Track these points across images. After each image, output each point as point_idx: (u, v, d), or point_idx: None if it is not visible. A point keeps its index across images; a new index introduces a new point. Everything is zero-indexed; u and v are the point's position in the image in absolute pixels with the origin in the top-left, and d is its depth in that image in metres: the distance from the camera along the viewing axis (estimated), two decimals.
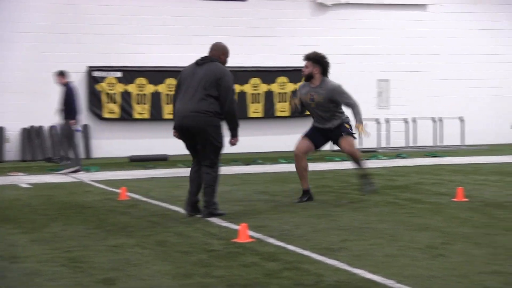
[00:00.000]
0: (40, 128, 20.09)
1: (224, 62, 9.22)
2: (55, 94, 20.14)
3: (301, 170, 10.54)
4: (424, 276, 6.02)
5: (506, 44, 23.93)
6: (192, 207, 9.30)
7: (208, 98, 8.97)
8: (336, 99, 10.33)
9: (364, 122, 10.44)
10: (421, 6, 23.33)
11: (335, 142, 10.64)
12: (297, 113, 11.19)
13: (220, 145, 9.09)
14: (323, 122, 10.50)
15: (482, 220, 8.68)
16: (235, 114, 9.10)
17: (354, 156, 10.59)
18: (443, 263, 6.47)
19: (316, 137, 10.61)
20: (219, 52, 9.26)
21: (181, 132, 9.22)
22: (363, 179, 10.91)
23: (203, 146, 9.06)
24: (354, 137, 10.56)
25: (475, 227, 8.20)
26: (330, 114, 10.44)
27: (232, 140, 9.24)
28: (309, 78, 10.45)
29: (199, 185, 9.25)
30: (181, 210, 9.93)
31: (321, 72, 10.44)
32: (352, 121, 10.53)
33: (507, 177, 13.33)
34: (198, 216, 9.21)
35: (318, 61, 10.41)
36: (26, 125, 20.01)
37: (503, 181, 12.77)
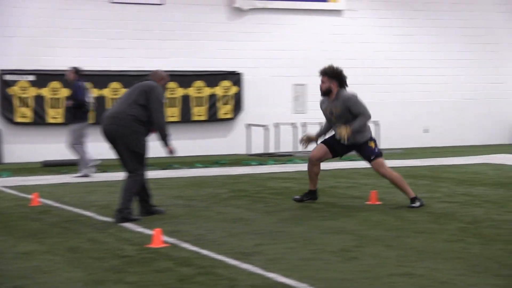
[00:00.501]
0: None
1: (162, 87, 9.57)
2: None
3: (311, 174, 10.64)
4: (337, 279, 6.09)
5: (419, 50, 24.43)
6: (148, 212, 9.62)
7: (136, 105, 9.25)
8: (350, 108, 10.30)
9: (351, 130, 10.18)
10: (337, 12, 23.62)
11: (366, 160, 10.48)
12: (325, 132, 10.90)
13: (135, 148, 9.24)
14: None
15: (394, 223, 8.83)
16: (164, 124, 9.37)
17: (390, 179, 10.27)
18: (355, 265, 6.56)
19: (336, 145, 10.51)
20: (157, 78, 9.61)
21: (105, 137, 9.40)
22: (411, 200, 10.25)
23: (122, 150, 9.30)
24: (379, 154, 10.31)
25: (387, 230, 8.34)
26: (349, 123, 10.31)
27: (168, 148, 9.53)
28: (327, 93, 10.53)
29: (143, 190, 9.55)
30: (94, 215, 9.81)
31: (339, 85, 10.48)
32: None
33: (419, 180, 13.60)
34: (111, 220, 9.17)
35: (335, 76, 10.45)
36: None
37: (415, 184, 13.00)
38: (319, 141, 10.73)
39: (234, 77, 22.24)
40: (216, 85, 22.06)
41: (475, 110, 25.00)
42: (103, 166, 16.98)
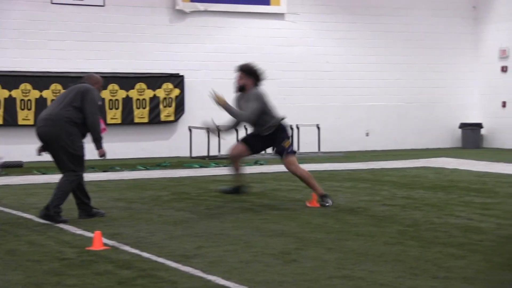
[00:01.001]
0: None
1: (98, 90, 9.59)
2: None
3: (234, 171, 10.90)
4: (276, 282, 6.14)
5: (360, 53, 24.68)
6: (88, 214, 9.56)
7: (71, 108, 9.28)
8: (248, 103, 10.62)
9: (225, 104, 10.80)
10: (279, 15, 23.74)
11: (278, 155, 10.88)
12: (232, 127, 11.30)
13: (71, 150, 9.29)
14: (259, 130, 10.77)
15: (335, 226, 8.92)
16: (98, 127, 9.40)
17: (299, 176, 10.73)
18: (295, 268, 6.61)
19: (253, 142, 10.86)
20: (92, 82, 9.62)
21: (39, 139, 9.42)
22: (322, 199, 10.66)
23: (56, 152, 9.33)
24: (292, 152, 10.76)
25: (327, 233, 8.42)
26: (260, 120, 10.67)
27: (99, 151, 9.59)
28: (242, 89, 10.77)
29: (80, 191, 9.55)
30: (34, 218, 9.71)
31: (254, 83, 10.75)
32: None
33: (360, 183, 13.75)
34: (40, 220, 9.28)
35: (251, 73, 10.72)
36: None
37: (356, 187, 13.16)
38: (225, 134, 11.20)
39: (176, 80, 22.19)
40: (158, 88, 21.98)
41: (417, 114, 25.33)
42: (43, 168, 16.79)
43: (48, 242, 7.94)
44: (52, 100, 20.17)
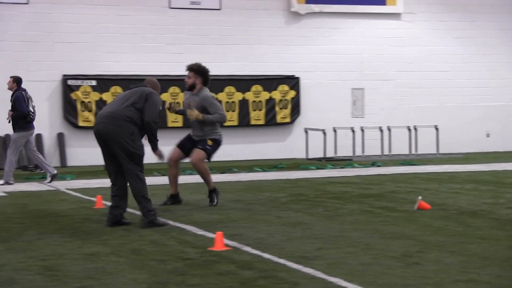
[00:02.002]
0: None
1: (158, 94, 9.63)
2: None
3: (171, 177, 11.23)
4: (399, 285, 6.05)
5: (478, 53, 24.16)
6: (112, 223, 9.30)
7: (134, 108, 9.24)
8: (206, 108, 10.89)
9: (202, 116, 10.84)
10: (395, 15, 23.49)
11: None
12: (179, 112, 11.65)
13: (131, 149, 9.13)
14: (195, 131, 11.07)
15: (457, 229, 8.74)
16: (152, 129, 9.31)
17: (198, 170, 10.99)
18: (417, 271, 6.51)
19: (187, 145, 11.10)
20: (151, 86, 9.62)
21: (97, 138, 9.35)
22: (211, 194, 11.17)
23: (117, 150, 9.16)
24: (209, 154, 11.01)
25: (449, 236, 8.26)
26: (202, 125, 10.95)
27: (156, 153, 9.54)
28: (192, 88, 11.08)
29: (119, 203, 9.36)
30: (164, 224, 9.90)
31: (203, 82, 11.07)
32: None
33: (482, 186, 13.44)
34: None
35: (201, 73, 11.05)
36: (2, 133, 19.87)
37: (478, 189, 12.87)
38: (174, 110, 11.40)
39: (292, 81, 22.27)
40: (274, 89, 22.10)
41: None
42: (163, 169, 17.13)
43: (170, 242, 8.10)
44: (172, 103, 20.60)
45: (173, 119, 21.24)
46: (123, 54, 20.80)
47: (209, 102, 10.94)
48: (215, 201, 11.09)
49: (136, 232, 8.81)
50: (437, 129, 22.72)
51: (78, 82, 20.38)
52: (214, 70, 21.33)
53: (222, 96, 21.55)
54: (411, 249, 7.50)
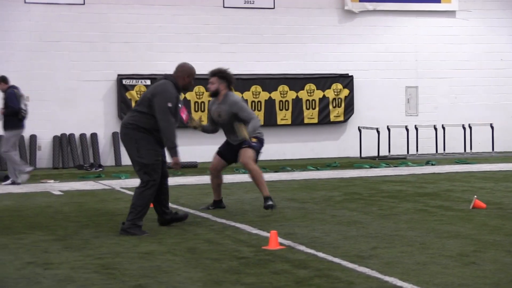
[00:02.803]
0: (70, 136, 20.25)
1: (182, 82, 9.00)
2: (85, 102, 20.36)
3: (214, 185, 10.82)
4: (456, 284, 6.00)
5: None
6: (162, 223, 9.19)
7: (137, 113, 8.83)
8: (237, 114, 10.23)
9: (250, 136, 10.22)
10: (450, 13, 23.22)
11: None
12: (209, 131, 10.83)
13: (136, 158, 8.74)
14: (233, 136, 10.43)
15: None
16: (169, 133, 8.68)
17: (247, 168, 10.29)
18: (474, 271, 6.44)
19: (227, 153, 10.59)
20: (175, 71, 9.07)
21: None
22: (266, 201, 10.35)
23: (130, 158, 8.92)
24: (256, 151, 10.36)
25: (506, 235, 8.16)
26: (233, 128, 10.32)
27: (172, 160, 8.82)
28: (215, 94, 10.40)
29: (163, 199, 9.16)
30: (210, 217, 9.98)
31: (227, 87, 10.40)
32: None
33: None
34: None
35: (224, 77, 10.37)
36: (57, 133, 20.18)
37: None
38: (199, 129, 10.54)
39: (345, 80, 22.17)
40: (328, 88, 22.04)
41: None
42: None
43: (225, 241, 8.14)
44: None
45: (282, 117, 21.30)
46: (177, 54, 20.91)
47: (238, 107, 10.22)
48: (272, 204, 10.24)
49: (191, 231, 8.87)
50: (492, 127, 22.41)
51: (133, 82, 20.58)
52: (268, 69, 21.60)
53: (275, 94, 21.56)
54: (467, 248, 7.43)
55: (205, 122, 11.31)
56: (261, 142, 10.49)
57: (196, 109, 21.05)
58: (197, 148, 19.99)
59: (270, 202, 10.24)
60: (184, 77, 9.00)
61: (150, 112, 8.72)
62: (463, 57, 23.24)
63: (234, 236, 8.42)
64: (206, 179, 15.69)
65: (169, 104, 8.68)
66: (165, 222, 9.25)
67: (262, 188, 10.32)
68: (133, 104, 20.41)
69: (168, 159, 9.05)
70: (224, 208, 10.82)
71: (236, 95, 10.58)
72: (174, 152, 8.73)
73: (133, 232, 8.61)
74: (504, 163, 18.89)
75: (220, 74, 10.38)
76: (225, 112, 10.28)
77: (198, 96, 21.08)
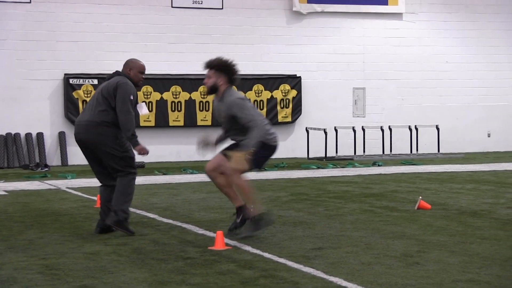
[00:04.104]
0: (16, 135, 19.98)
1: (135, 78, 8.78)
2: (31, 101, 20.11)
3: (220, 188, 8.62)
4: (400, 284, 6.06)
5: (480, 53, 24.15)
6: (102, 228, 8.72)
7: (103, 109, 8.60)
8: (236, 116, 8.27)
9: (247, 153, 8.12)
10: (397, 15, 23.49)
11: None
12: (224, 138, 8.75)
13: (120, 154, 8.58)
14: (241, 139, 8.40)
15: (457, 228, 8.74)
16: (130, 124, 8.52)
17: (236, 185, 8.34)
18: (418, 271, 6.51)
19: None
20: (125, 67, 8.85)
21: (79, 145, 8.74)
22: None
23: (104, 158, 8.59)
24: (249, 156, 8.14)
25: (450, 235, 8.26)
26: (242, 132, 8.33)
27: (136, 149, 8.57)
28: (214, 90, 8.45)
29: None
30: (157, 217, 9.94)
31: (228, 81, 8.45)
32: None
33: (482, 186, 13.44)
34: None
35: (223, 70, 8.46)
36: (3, 132, 19.90)
37: (478, 189, 12.87)
38: (217, 147, 8.72)
39: (293, 81, 22.28)
40: (275, 89, 22.11)
41: None
42: (164, 168, 17.17)
43: (171, 241, 8.11)
44: (174, 102, 20.64)
45: (175, 118, 21.24)
46: (125, 53, 20.75)
47: (238, 108, 8.22)
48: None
49: (137, 231, 8.80)
50: (438, 129, 22.72)
51: (80, 81, 20.39)
52: None
53: None
54: (411, 248, 7.51)
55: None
56: (266, 149, 8.34)
57: (201, 109, 21.16)
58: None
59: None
60: (137, 73, 8.84)
61: (113, 108, 8.56)
62: (409, 59, 23.53)
63: (180, 237, 8.40)
64: (153, 179, 15.63)
65: (131, 97, 8.59)
66: (105, 228, 8.70)
67: (251, 201, 8.37)
68: (80, 103, 20.23)
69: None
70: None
71: (237, 92, 8.55)
72: (136, 142, 8.56)
73: (127, 227, 8.49)
74: (449, 164, 19.15)
75: (219, 66, 8.47)
76: (223, 113, 8.40)
77: (145, 97, 21.01)
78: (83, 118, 8.69)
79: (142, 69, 8.90)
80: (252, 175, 16.32)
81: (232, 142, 8.60)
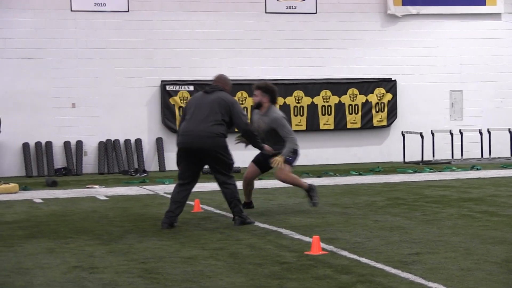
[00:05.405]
0: (115, 142, 20.45)
1: (228, 92, 9.92)
2: (130, 108, 20.54)
3: (246, 191, 11.33)
4: None
5: None
6: (169, 224, 9.64)
7: (218, 122, 9.58)
8: (276, 129, 10.75)
9: (284, 158, 10.63)
10: (495, 15, 22.99)
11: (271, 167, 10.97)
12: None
13: (231, 162, 9.71)
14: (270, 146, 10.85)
15: None
16: (253, 133, 9.94)
17: (287, 182, 11.03)
18: None
19: (262, 162, 11.00)
20: (223, 83, 9.94)
21: (187, 151, 9.64)
22: (309, 194, 11.03)
23: (216, 164, 9.64)
24: (290, 163, 10.86)
25: None
26: (275, 141, 10.80)
27: (269, 153, 10.37)
28: (259, 106, 10.93)
29: (181, 205, 9.74)
30: (253, 222, 10.00)
31: (270, 100, 10.89)
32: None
33: None
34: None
35: (268, 91, 10.88)
36: (103, 139, 20.39)
37: None
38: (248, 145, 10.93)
39: (388, 84, 22.07)
40: (370, 93, 21.95)
41: None
42: None
43: (267, 246, 8.15)
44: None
45: (325, 122, 21.34)
46: (220, 59, 21.03)
47: (279, 124, 10.73)
48: (316, 199, 10.93)
49: (233, 236, 8.90)
50: None
51: (176, 88, 20.72)
52: (310, 73, 21.59)
53: (318, 99, 21.54)
54: None
55: None
56: (295, 153, 10.90)
57: (296, 113, 21.37)
58: (239, 153, 20.03)
59: (314, 198, 10.93)
60: (229, 90, 9.96)
61: (227, 120, 9.65)
62: (508, 60, 22.99)
63: (276, 241, 8.43)
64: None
65: (243, 111, 9.91)
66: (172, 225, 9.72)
67: (301, 184, 10.98)
68: (176, 110, 20.55)
69: None
70: (252, 208, 11.28)
71: (279, 110, 11.00)
72: (261, 145, 10.20)
73: (249, 220, 9.78)
74: None
75: (265, 88, 10.90)
76: (265, 125, 10.80)
77: (324, 100, 21.29)
78: (196, 128, 9.57)
79: (231, 86, 10.15)
80: (348, 180, 16.31)
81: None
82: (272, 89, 10.93)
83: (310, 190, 10.94)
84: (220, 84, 9.89)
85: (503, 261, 7.04)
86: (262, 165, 11.02)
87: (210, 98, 9.73)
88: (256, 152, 10.90)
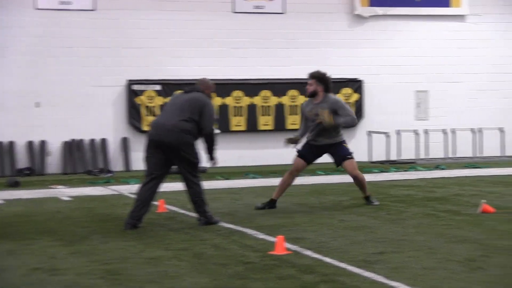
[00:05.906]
0: (80, 141, 20.30)
1: (208, 95, 9.94)
2: (95, 107, 20.41)
3: (284, 185, 11.45)
4: None
5: None
6: (133, 225, 9.59)
7: (185, 119, 9.59)
8: (337, 111, 10.97)
9: (334, 121, 11.01)
10: (460, 17, 23.18)
11: (337, 161, 11.41)
12: (303, 135, 11.54)
13: (195, 161, 9.68)
14: (322, 139, 11.23)
15: None
16: (212, 140, 9.82)
17: (357, 178, 11.34)
18: (482, 276, 6.41)
19: (308, 154, 11.37)
20: (203, 86, 9.95)
21: (154, 143, 9.65)
22: (367, 199, 11.50)
23: (180, 162, 9.64)
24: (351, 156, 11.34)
25: None
26: (328, 131, 11.10)
27: (212, 161, 10.07)
28: (313, 95, 11.13)
29: (146, 205, 9.69)
30: (218, 221, 9.96)
31: (324, 89, 11.09)
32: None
33: None
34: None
35: (322, 80, 11.06)
36: (67, 138, 20.23)
37: None
38: (300, 142, 11.45)
39: (355, 84, 22.16)
40: (337, 93, 22.00)
41: None
42: (226, 173, 17.22)
43: (232, 246, 8.13)
44: (236, 107, 20.72)
45: (236, 123, 21.33)
46: (188, 59, 20.97)
47: (339, 105, 11.00)
48: (375, 201, 11.42)
49: (198, 236, 8.86)
50: (502, 131, 22.33)
51: (143, 87, 20.62)
52: (278, 73, 21.58)
53: (284, 99, 21.56)
54: (475, 253, 7.39)
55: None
56: (345, 142, 11.47)
57: (263, 113, 21.35)
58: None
59: (372, 200, 11.43)
60: (210, 93, 9.99)
61: (198, 120, 9.61)
62: (474, 61, 23.18)
63: (241, 241, 8.41)
64: (214, 184, 15.69)
65: (214, 115, 9.90)
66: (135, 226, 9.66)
67: (364, 190, 11.41)
68: (142, 109, 20.45)
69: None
70: (275, 208, 11.22)
71: (336, 96, 11.39)
72: (214, 157, 10.06)
73: (214, 220, 9.78)
74: None
75: (319, 77, 11.08)
76: (325, 110, 10.93)
77: (236, 101, 21.20)
78: (167, 122, 9.60)
79: (213, 90, 10.12)
80: (315, 180, 16.33)
81: (305, 143, 11.32)
82: (327, 78, 11.10)
83: (369, 197, 11.44)
84: (201, 86, 9.95)
85: (465, 259, 7.08)
86: (308, 157, 11.30)
87: (186, 97, 9.83)
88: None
